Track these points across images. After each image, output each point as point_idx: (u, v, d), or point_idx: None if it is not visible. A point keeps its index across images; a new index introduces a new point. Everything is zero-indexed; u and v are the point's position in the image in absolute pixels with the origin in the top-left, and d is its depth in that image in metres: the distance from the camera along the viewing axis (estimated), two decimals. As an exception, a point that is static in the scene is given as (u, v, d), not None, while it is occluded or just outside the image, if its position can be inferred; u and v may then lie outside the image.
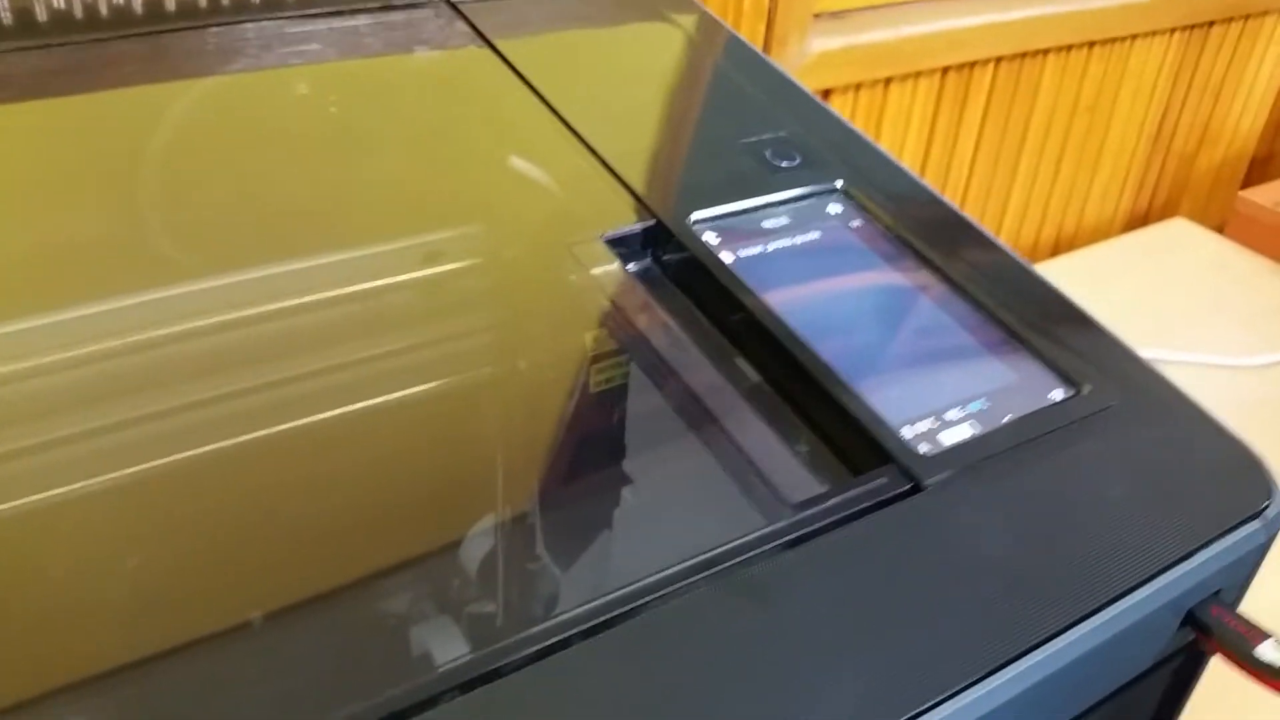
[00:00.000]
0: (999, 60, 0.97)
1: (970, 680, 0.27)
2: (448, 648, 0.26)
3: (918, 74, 0.92)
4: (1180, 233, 1.13)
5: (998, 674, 0.27)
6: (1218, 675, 0.35)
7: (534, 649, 0.26)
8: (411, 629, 0.27)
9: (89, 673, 0.25)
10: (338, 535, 0.29)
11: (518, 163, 0.39)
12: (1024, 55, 0.99)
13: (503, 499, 0.31)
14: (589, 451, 0.34)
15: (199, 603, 0.27)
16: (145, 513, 0.29)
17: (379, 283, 0.35)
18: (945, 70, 0.94)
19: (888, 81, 0.90)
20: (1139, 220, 1.24)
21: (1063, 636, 0.28)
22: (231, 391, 0.31)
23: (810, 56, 0.82)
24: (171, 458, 0.29)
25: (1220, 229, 1.13)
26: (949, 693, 0.26)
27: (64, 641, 0.25)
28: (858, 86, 0.88)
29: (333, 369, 0.33)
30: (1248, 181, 1.32)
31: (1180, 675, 0.35)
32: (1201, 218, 1.19)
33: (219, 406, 0.31)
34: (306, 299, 0.34)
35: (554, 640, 0.26)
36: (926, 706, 0.26)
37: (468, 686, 0.24)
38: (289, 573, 0.28)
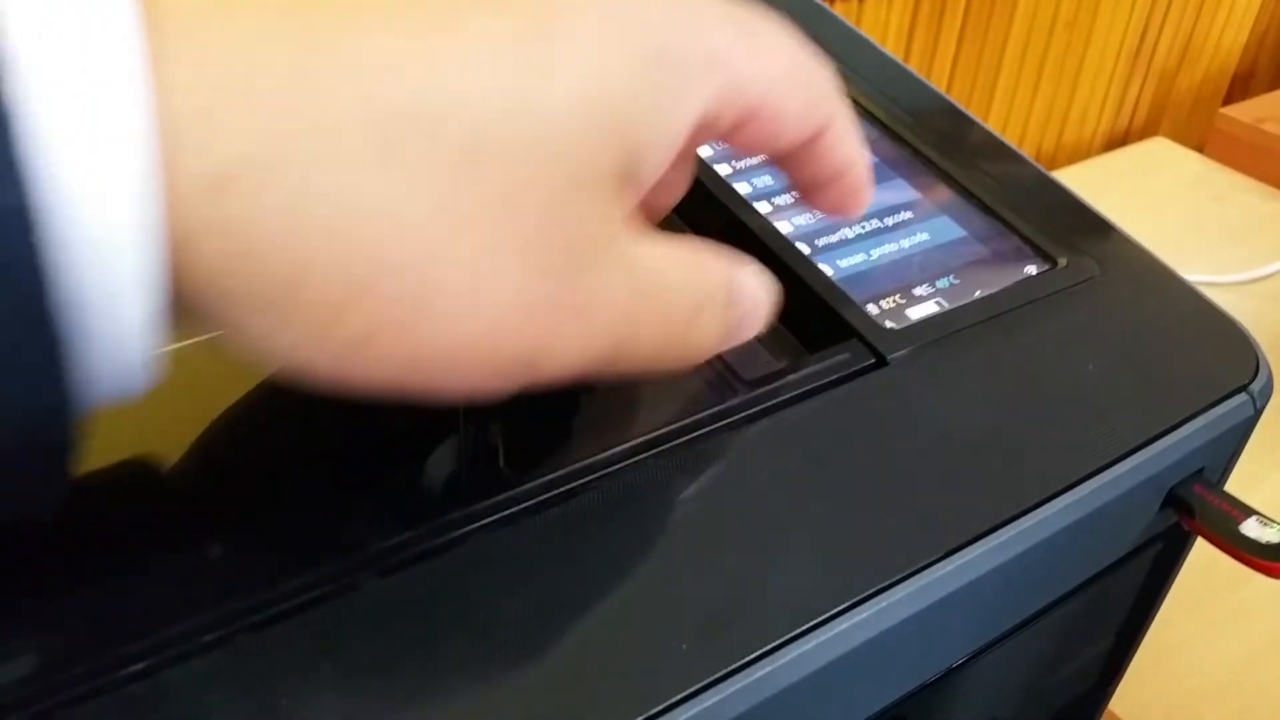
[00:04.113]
0: (976, -28, 0.94)
1: (934, 558, 0.24)
2: (383, 527, 0.24)
3: (892, -15, 0.89)
4: (1160, 152, 1.11)
5: (964, 551, 0.25)
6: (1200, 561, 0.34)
7: (471, 527, 0.23)
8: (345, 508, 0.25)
9: None
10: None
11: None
12: (1001, -34, 0.96)
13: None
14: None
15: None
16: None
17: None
18: (921, -18, 0.91)
19: (861, -7, 0.87)
20: (1118, 140, 1.21)
21: (1034, 513, 0.26)
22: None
23: (780, -39, 0.79)
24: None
25: (1200, 148, 1.11)
26: (910, 570, 0.24)
27: None
28: (830, 0, 0.85)
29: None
30: (1228, 100, 1.29)
31: (1162, 559, 0.33)
32: (1182, 137, 1.17)
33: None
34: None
35: (493, 518, 0.24)
36: (887, 584, 0.24)
37: (392, 568, 0.22)
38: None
